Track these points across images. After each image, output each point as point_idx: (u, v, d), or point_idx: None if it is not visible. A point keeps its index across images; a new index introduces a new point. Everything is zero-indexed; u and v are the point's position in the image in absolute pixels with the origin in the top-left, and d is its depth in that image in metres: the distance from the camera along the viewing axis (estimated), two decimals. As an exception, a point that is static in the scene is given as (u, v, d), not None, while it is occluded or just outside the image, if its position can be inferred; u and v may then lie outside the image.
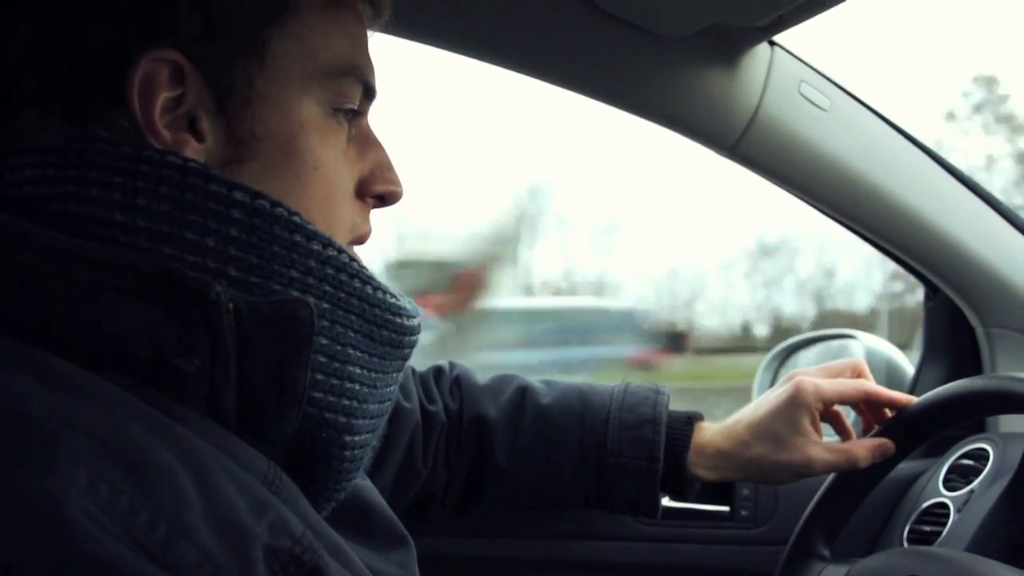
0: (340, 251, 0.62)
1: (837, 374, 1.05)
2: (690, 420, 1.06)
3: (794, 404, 1.00)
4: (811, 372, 1.05)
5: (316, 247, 0.60)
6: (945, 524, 1.11)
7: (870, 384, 1.03)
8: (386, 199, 0.71)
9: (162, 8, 0.59)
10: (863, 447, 1.00)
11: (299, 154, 0.63)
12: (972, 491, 1.12)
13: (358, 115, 0.69)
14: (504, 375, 1.12)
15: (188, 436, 0.52)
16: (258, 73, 0.61)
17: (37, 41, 0.59)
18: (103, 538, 0.43)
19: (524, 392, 1.09)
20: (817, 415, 1.01)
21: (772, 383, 1.56)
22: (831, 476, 1.05)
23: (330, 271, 0.61)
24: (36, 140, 0.58)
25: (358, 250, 0.70)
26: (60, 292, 0.54)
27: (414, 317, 0.68)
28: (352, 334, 0.62)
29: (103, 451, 0.47)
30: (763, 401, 1.04)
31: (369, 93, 0.69)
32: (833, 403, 1.02)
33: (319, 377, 0.60)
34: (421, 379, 1.10)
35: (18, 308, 0.54)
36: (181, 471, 0.49)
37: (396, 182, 0.71)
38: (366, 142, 0.70)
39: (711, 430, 1.06)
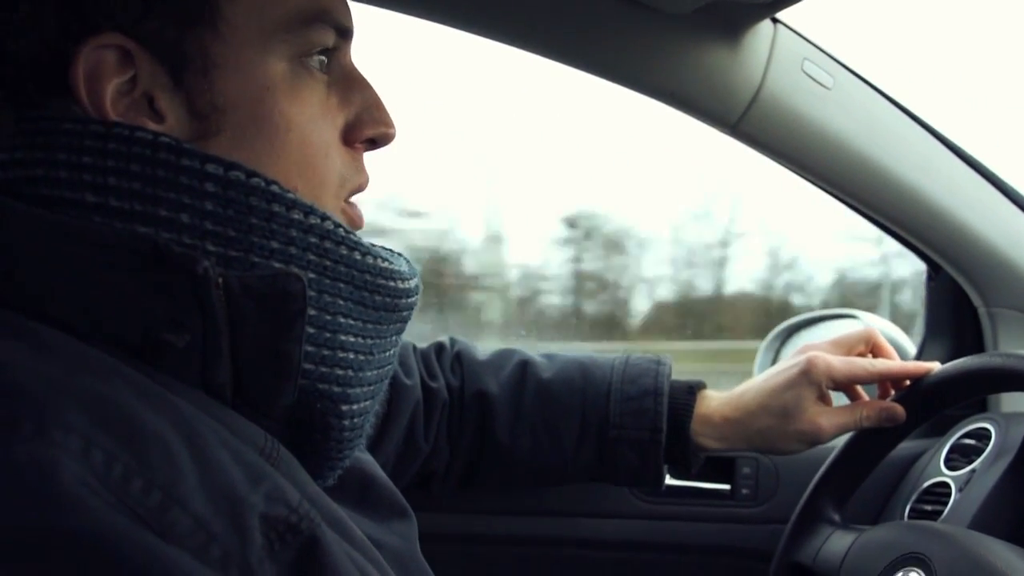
0: (324, 217, 0.60)
1: (850, 348, 1.04)
2: (692, 390, 1.05)
3: (804, 380, 1.00)
4: (823, 346, 1.03)
5: (297, 216, 0.58)
6: (946, 503, 1.11)
7: (881, 365, 1.01)
8: (377, 142, 0.68)
9: None
10: (872, 407, 1.00)
11: (268, 118, 0.60)
12: (974, 470, 1.12)
13: (335, 58, 0.65)
14: (504, 350, 1.12)
15: (183, 405, 0.51)
16: (212, 40, 0.59)
17: None
18: (96, 505, 0.43)
19: (525, 367, 1.08)
20: (827, 391, 1.01)
21: (774, 362, 1.56)
22: (843, 442, 1.05)
23: (313, 239, 0.59)
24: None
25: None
26: (50, 270, 0.53)
27: (410, 279, 0.66)
28: (342, 302, 0.61)
29: (97, 418, 0.46)
30: (773, 373, 1.03)
31: (343, 32, 0.65)
32: (844, 383, 1.02)
33: (309, 349, 0.59)
34: (422, 355, 1.10)
35: (9, 285, 0.53)
36: (175, 439, 0.49)
37: (386, 122, 0.68)
38: (349, 84, 0.66)
39: (717, 399, 1.05)
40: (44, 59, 0.57)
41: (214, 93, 0.59)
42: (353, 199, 0.68)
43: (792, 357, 1.04)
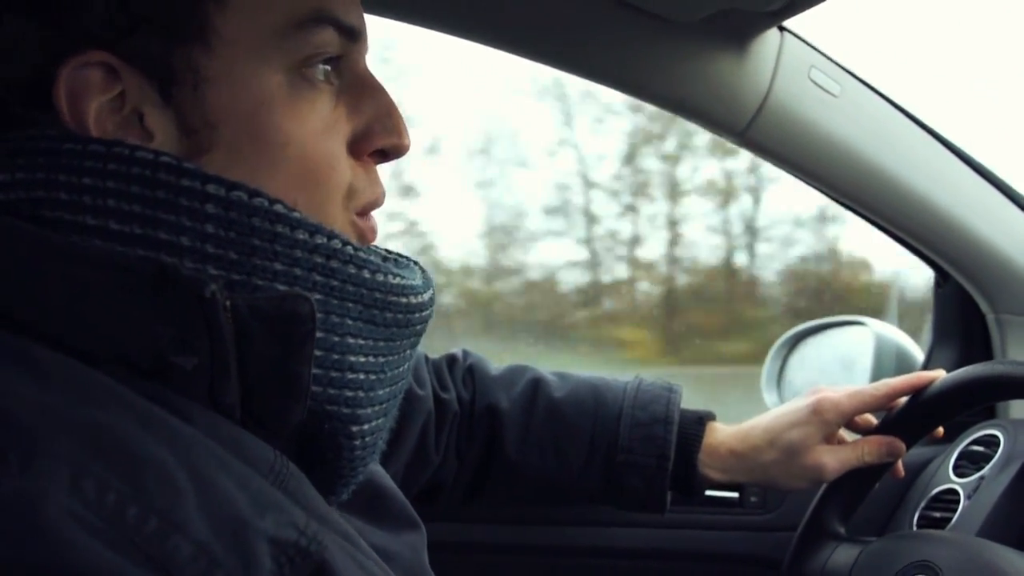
0: (331, 236, 0.57)
1: (863, 400, 1.04)
2: (702, 420, 1.06)
3: (813, 419, 1.01)
4: (836, 389, 1.05)
5: (302, 236, 0.56)
6: (955, 510, 1.11)
7: (885, 387, 1.02)
8: (388, 154, 0.65)
9: (74, 13, 0.55)
10: (872, 443, 1.01)
11: (264, 134, 0.57)
12: (982, 477, 1.12)
13: (345, 64, 0.62)
14: (517, 366, 1.12)
15: (185, 430, 0.50)
16: (201, 54, 0.56)
17: None
18: (82, 539, 0.41)
19: (537, 384, 1.08)
20: (836, 431, 1.03)
21: (781, 370, 1.56)
22: None
23: (319, 259, 0.57)
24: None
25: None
26: (55, 291, 0.52)
27: (423, 292, 0.64)
28: (350, 322, 0.59)
29: (89, 447, 0.45)
30: (783, 412, 1.05)
31: (351, 34, 0.61)
32: (854, 416, 1.03)
33: (316, 371, 0.57)
34: (435, 367, 1.09)
35: (15, 307, 0.52)
36: (174, 465, 0.47)
37: (399, 132, 0.64)
38: (361, 91, 0.63)
39: (724, 431, 1.06)
40: (29, 78, 0.55)
41: (205, 109, 0.57)
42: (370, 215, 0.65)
43: (802, 397, 1.05)
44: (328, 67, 0.61)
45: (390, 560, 0.62)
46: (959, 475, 1.16)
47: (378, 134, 0.63)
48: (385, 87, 0.64)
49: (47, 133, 0.55)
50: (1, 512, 0.41)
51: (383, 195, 0.65)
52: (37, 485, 0.42)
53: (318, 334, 0.56)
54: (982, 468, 1.14)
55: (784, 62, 1.11)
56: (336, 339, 0.58)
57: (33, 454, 0.43)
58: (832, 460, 1.01)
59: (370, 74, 0.64)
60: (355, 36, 0.62)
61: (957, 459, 1.19)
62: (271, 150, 0.58)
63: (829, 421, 1.01)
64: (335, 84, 0.61)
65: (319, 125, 0.60)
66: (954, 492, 1.14)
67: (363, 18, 0.63)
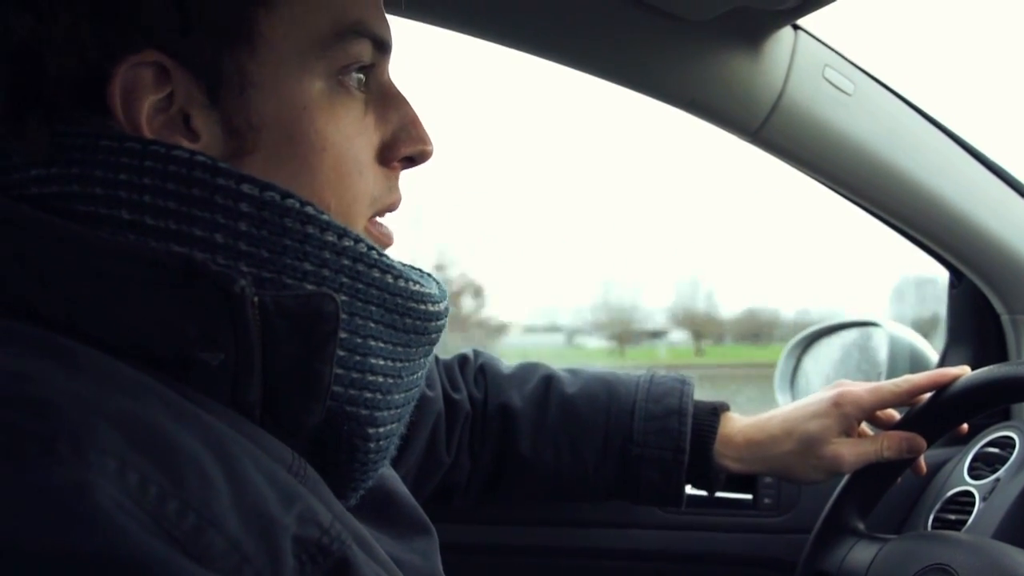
0: (357, 240, 0.59)
1: (883, 396, 1.03)
2: (716, 411, 1.06)
3: (833, 412, 1.01)
4: (857, 384, 1.05)
5: (331, 238, 0.58)
6: (970, 512, 1.10)
7: (907, 384, 1.02)
8: (415, 160, 0.67)
9: (131, 12, 0.56)
10: (892, 439, 1.00)
11: (304, 138, 0.60)
12: (998, 479, 1.11)
13: (373, 75, 0.65)
14: (529, 363, 1.12)
15: (215, 424, 0.51)
16: (248, 59, 0.58)
17: (8, 67, 0.56)
18: (133, 529, 0.42)
19: (549, 381, 1.08)
20: (855, 425, 1.03)
21: (794, 370, 1.56)
22: None
23: (346, 262, 0.58)
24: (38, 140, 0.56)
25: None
26: (83, 285, 0.53)
27: (440, 301, 0.66)
28: (373, 325, 0.60)
29: (131, 439, 0.46)
30: (803, 403, 1.05)
31: (381, 47, 0.64)
32: (874, 411, 1.03)
33: (338, 371, 0.58)
34: (445, 367, 1.09)
35: (42, 300, 0.53)
36: (209, 459, 0.48)
37: (424, 140, 0.67)
38: (387, 101, 0.66)
39: (741, 421, 1.06)
40: (82, 76, 0.56)
41: (250, 112, 0.58)
42: (384, 219, 0.67)
43: (826, 389, 1.05)
44: (361, 76, 0.63)
45: (400, 567, 0.63)
46: (974, 477, 1.15)
47: (404, 142, 0.66)
48: (407, 98, 0.67)
49: (82, 130, 0.56)
50: (55, 501, 0.42)
51: (400, 200, 0.68)
52: (88, 475, 0.43)
53: (341, 335, 0.57)
54: (997, 470, 1.13)
55: (798, 61, 1.11)
56: (359, 340, 0.59)
57: (81, 444, 0.44)
58: (850, 452, 1.00)
59: (394, 85, 0.67)
60: (386, 49, 0.65)
61: (972, 461, 1.18)
62: (310, 153, 0.60)
63: (849, 415, 1.01)
64: (365, 95, 0.64)
65: (353, 131, 0.63)
66: (969, 494, 1.13)
67: (391, 32, 0.66)
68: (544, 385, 1.08)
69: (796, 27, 1.11)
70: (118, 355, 0.52)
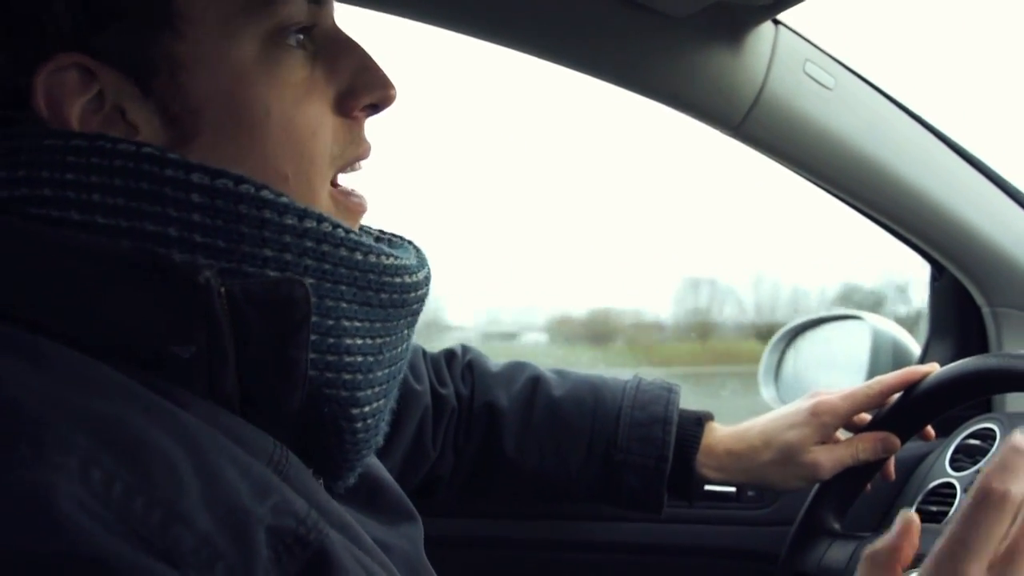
0: (320, 220, 0.57)
1: (857, 401, 1.04)
2: (700, 421, 1.06)
3: (812, 421, 1.02)
4: (832, 392, 1.05)
5: (290, 220, 0.56)
6: (952, 504, 1.11)
7: (879, 385, 1.03)
8: (378, 106, 0.64)
9: (33, 21, 0.55)
10: (867, 440, 1.01)
11: (246, 108, 0.57)
12: (979, 471, 1.12)
13: (315, 27, 0.61)
14: (517, 363, 1.11)
15: (188, 420, 0.51)
16: (172, 42, 0.56)
17: None
18: (95, 528, 0.42)
19: (536, 382, 1.08)
20: (832, 433, 1.03)
21: (779, 363, 1.56)
22: None
23: (310, 244, 0.57)
24: None
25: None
26: (51, 285, 0.52)
27: (417, 271, 0.64)
28: (345, 305, 0.59)
29: (96, 437, 0.45)
30: (781, 413, 1.05)
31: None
32: (850, 417, 1.03)
33: (312, 356, 0.57)
34: (433, 362, 1.09)
35: (11, 301, 0.52)
36: (179, 455, 0.48)
37: (384, 83, 0.63)
38: (336, 50, 0.62)
39: (722, 431, 1.06)
40: (7, 88, 0.55)
41: (186, 95, 0.57)
42: (354, 188, 0.66)
43: (803, 400, 1.05)
44: (300, 35, 0.61)
45: (388, 551, 0.63)
46: (956, 469, 1.16)
47: (362, 90, 0.63)
48: (358, 41, 0.64)
49: (27, 130, 0.55)
50: (15, 502, 0.41)
51: (368, 149, 0.65)
52: (49, 475, 0.42)
53: (312, 318, 0.56)
54: (979, 462, 1.14)
55: (779, 55, 1.11)
56: (331, 323, 0.58)
57: (43, 444, 0.44)
58: (827, 459, 1.01)
59: (341, 32, 0.64)
60: (321, 0, 0.62)
61: (954, 453, 1.19)
62: (254, 124, 0.58)
63: (826, 423, 1.02)
64: (309, 49, 0.61)
65: (298, 91, 0.60)
66: (951, 486, 1.13)
67: None
68: (531, 386, 1.08)
69: (777, 22, 1.11)
70: (92, 353, 0.51)
